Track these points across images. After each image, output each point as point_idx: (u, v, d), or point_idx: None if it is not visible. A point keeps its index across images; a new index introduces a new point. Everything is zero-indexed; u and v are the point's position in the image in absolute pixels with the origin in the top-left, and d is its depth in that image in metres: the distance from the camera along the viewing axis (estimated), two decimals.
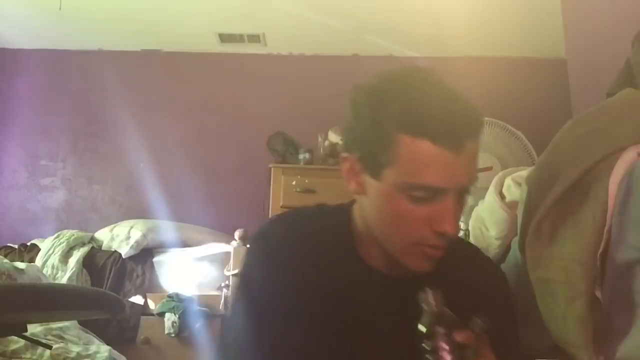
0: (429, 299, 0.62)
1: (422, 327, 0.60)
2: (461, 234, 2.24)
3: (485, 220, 1.33)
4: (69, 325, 1.99)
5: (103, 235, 2.86)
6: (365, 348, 0.75)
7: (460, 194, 0.70)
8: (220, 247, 2.70)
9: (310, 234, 0.82)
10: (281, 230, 0.84)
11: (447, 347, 0.57)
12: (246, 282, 0.83)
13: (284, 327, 0.75)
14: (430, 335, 0.59)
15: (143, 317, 2.47)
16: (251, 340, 0.78)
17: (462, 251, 0.85)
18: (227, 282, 2.48)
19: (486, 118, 2.54)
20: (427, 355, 0.58)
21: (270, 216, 2.79)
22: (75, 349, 1.84)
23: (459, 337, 0.59)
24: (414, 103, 0.67)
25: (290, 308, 0.76)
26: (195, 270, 2.63)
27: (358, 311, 0.75)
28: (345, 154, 0.76)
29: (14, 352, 1.73)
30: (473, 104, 0.70)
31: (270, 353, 0.75)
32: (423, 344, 0.59)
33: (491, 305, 0.75)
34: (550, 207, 0.77)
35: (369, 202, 0.74)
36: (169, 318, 2.36)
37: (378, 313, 0.75)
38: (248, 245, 0.87)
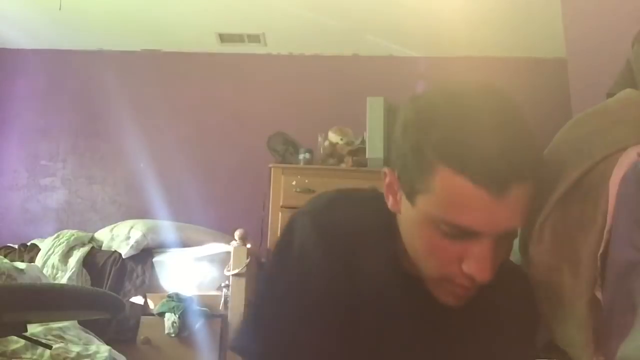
0: None
1: None
2: None
3: None
4: (69, 325, 1.99)
5: (103, 235, 2.86)
6: (397, 356, 0.73)
7: (501, 239, 0.64)
8: (220, 247, 2.69)
9: (364, 228, 0.74)
10: (335, 214, 0.74)
11: None
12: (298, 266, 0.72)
13: (321, 326, 0.69)
14: None
15: (143, 317, 2.46)
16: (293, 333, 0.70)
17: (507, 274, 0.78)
18: (227, 282, 2.48)
19: None
20: None
21: (269, 216, 2.79)
22: (75, 349, 1.84)
23: None
24: (460, 133, 0.61)
25: (333, 303, 0.69)
26: (195, 270, 2.62)
27: (393, 318, 0.72)
28: (387, 169, 0.72)
29: (14, 352, 1.73)
30: (532, 142, 0.63)
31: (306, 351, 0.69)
32: None
33: (516, 325, 0.76)
34: (551, 207, 0.77)
35: (403, 222, 0.71)
36: (169, 318, 2.36)
37: (413, 320, 0.72)
38: (292, 227, 0.74)
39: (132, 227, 2.79)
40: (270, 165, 2.94)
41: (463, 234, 0.62)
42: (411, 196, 0.66)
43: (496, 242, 0.62)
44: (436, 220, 0.63)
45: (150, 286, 2.60)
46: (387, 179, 0.72)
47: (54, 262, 2.60)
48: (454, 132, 0.61)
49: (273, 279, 0.74)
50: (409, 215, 0.68)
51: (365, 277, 0.71)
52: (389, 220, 0.74)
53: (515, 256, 1.05)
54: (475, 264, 0.62)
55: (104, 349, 1.95)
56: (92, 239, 2.84)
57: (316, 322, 0.69)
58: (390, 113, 2.83)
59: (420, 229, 0.66)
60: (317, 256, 0.70)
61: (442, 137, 0.61)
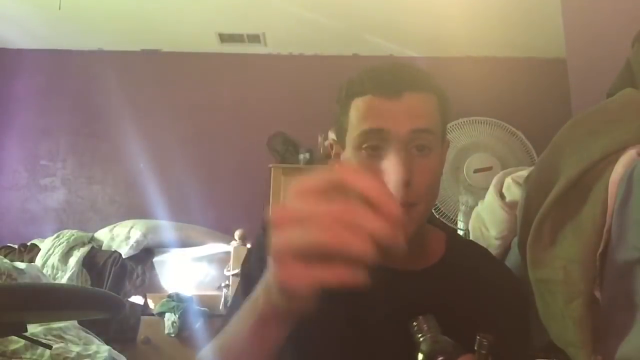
0: (423, 327, 0.57)
1: (421, 358, 0.55)
2: (461, 233, 2.24)
3: (485, 220, 1.34)
4: (69, 325, 1.99)
5: (103, 235, 2.86)
6: (370, 345, 0.73)
7: (417, 147, 0.70)
8: (220, 247, 2.70)
9: None
10: None
11: None
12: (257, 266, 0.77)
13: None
14: None
15: (143, 317, 2.47)
16: None
17: (470, 249, 0.84)
18: (227, 282, 2.48)
19: (486, 118, 2.55)
20: None
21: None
22: (75, 349, 1.84)
23: None
24: (361, 72, 0.75)
25: None
26: (195, 270, 2.63)
27: (362, 307, 0.73)
28: (331, 140, 0.83)
29: (14, 352, 1.73)
30: (422, 69, 0.76)
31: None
32: None
33: (503, 304, 0.75)
34: (550, 207, 0.77)
35: None
36: (169, 318, 2.36)
37: (383, 308, 0.73)
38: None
39: (132, 227, 2.80)
40: (270, 165, 2.94)
41: (378, 143, 0.70)
42: (343, 142, 0.76)
43: (407, 149, 0.69)
44: (357, 140, 0.72)
45: (150, 286, 2.61)
46: (333, 151, 0.81)
47: (54, 262, 2.60)
48: (357, 73, 0.76)
49: (249, 260, 0.83)
50: (347, 160, 0.76)
51: None
52: None
53: (514, 254, 1.05)
54: (390, 166, 0.68)
55: (104, 349, 1.95)
56: (92, 239, 2.85)
57: None
58: None
59: (352, 162, 0.73)
60: (259, 254, 0.79)
61: (349, 81, 0.76)
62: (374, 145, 0.70)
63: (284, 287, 0.43)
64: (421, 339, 0.56)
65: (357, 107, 0.73)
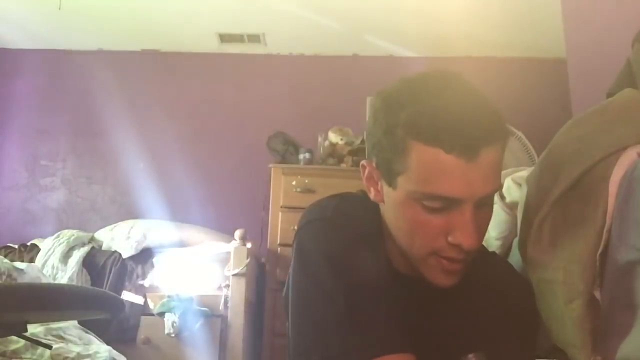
0: None
1: None
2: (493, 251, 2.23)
3: None
4: (69, 325, 1.99)
5: (103, 235, 2.86)
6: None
7: (480, 205, 0.66)
8: (220, 247, 2.69)
9: (360, 240, 0.75)
10: (341, 237, 0.75)
11: None
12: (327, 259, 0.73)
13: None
14: None
15: (143, 317, 2.47)
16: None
17: (492, 265, 0.83)
18: (227, 282, 2.48)
19: None
20: None
21: (270, 216, 2.78)
22: (75, 349, 1.84)
23: None
24: (428, 108, 0.64)
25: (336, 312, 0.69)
26: (195, 270, 2.62)
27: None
28: (364, 161, 0.75)
29: (14, 352, 1.73)
30: (494, 109, 0.68)
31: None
32: None
33: (513, 323, 0.76)
34: (550, 207, 0.77)
35: (387, 210, 0.73)
36: (169, 318, 2.36)
37: (408, 316, 0.72)
38: (304, 251, 0.76)
39: (132, 227, 2.80)
40: (270, 165, 2.94)
41: (444, 205, 0.64)
42: (391, 180, 0.69)
43: (476, 209, 0.65)
44: (417, 196, 0.66)
45: (150, 286, 2.61)
46: (367, 171, 0.75)
47: (54, 262, 2.60)
48: (420, 108, 0.65)
49: (293, 289, 0.75)
50: (391, 201, 0.71)
51: (361, 278, 0.71)
52: (379, 220, 0.76)
53: (514, 255, 1.05)
54: (460, 232, 0.64)
55: (104, 349, 1.95)
56: (92, 239, 2.85)
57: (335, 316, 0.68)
58: None
59: (404, 210, 0.68)
60: (324, 266, 0.71)
61: (410, 115, 0.65)
62: (438, 207, 0.65)
63: None
64: None
65: (422, 159, 0.64)
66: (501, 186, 1.32)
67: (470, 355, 0.58)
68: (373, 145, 0.71)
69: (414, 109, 0.65)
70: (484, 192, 0.65)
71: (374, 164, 0.73)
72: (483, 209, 0.68)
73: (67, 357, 1.78)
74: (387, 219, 0.74)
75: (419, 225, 0.67)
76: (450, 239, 0.65)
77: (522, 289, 0.81)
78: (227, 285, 2.47)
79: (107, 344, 2.06)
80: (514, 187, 1.24)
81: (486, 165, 0.64)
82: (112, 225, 2.93)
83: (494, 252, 0.94)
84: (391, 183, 0.69)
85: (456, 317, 0.74)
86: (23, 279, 2.08)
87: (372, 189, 0.75)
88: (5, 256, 2.59)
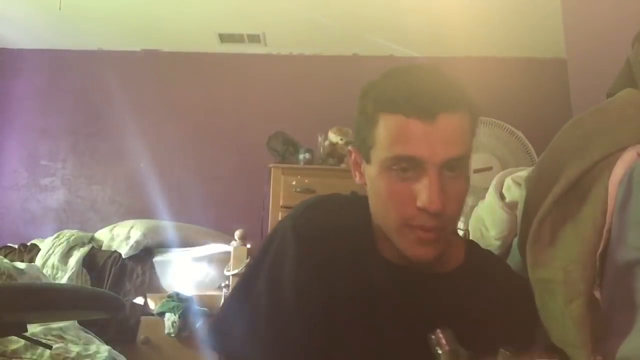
0: (441, 341, 0.59)
1: None
2: (461, 233, 2.24)
3: (485, 221, 1.34)
4: (69, 325, 1.99)
5: (103, 235, 2.86)
6: (383, 343, 0.74)
7: (447, 171, 0.69)
8: (220, 247, 2.69)
9: (339, 225, 0.80)
10: (313, 218, 0.82)
11: None
12: (272, 264, 0.80)
13: (300, 319, 0.74)
14: None
15: (143, 317, 2.47)
16: (261, 326, 0.76)
17: (488, 257, 0.85)
18: (227, 282, 2.48)
19: (486, 118, 2.54)
20: None
21: (269, 216, 2.79)
22: (75, 349, 1.84)
23: None
24: (392, 84, 0.72)
25: (310, 301, 0.74)
26: (195, 270, 2.62)
27: (376, 306, 0.75)
28: (350, 147, 0.81)
29: (14, 352, 1.73)
30: (458, 84, 0.72)
31: (279, 344, 0.74)
32: None
33: (515, 311, 0.76)
34: (550, 207, 0.77)
35: (368, 190, 0.76)
36: (169, 318, 2.36)
37: (396, 308, 0.75)
38: (276, 229, 0.84)
39: (132, 227, 2.79)
40: (270, 165, 2.94)
41: (410, 167, 0.68)
42: (367, 155, 0.74)
43: (441, 174, 0.68)
44: (387, 163, 0.70)
45: (150, 286, 2.61)
46: (352, 157, 0.80)
47: (54, 262, 2.60)
48: (386, 84, 0.72)
49: (250, 278, 0.82)
50: (369, 178, 0.75)
51: (347, 268, 0.76)
52: (365, 215, 0.80)
53: (514, 255, 1.05)
54: (425, 194, 0.67)
55: (104, 349, 1.95)
56: (92, 239, 2.85)
57: (287, 315, 0.74)
58: None
59: (378, 182, 0.72)
60: (291, 256, 0.77)
61: (378, 91, 0.72)
62: (403, 167, 0.69)
63: None
64: (440, 352, 0.58)
65: (387, 126, 0.70)
66: (501, 185, 1.32)
67: (438, 331, 0.58)
68: (355, 130, 0.77)
69: (381, 86, 0.72)
70: (445, 155, 0.68)
71: (356, 148, 0.78)
72: (454, 178, 0.70)
73: (67, 357, 1.78)
74: (370, 202, 0.77)
75: (391, 195, 0.70)
76: (418, 203, 0.68)
77: (518, 280, 0.82)
78: (227, 285, 2.47)
79: (107, 344, 2.06)
80: (514, 187, 1.24)
81: (446, 129, 0.68)
82: (112, 225, 2.93)
83: (490, 251, 0.95)
84: (368, 159, 0.74)
85: (449, 305, 0.74)
86: (23, 279, 2.08)
87: (356, 173, 0.79)
88: (5, 256, 2.59)
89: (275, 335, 0.74)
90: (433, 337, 0.59)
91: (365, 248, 0.78)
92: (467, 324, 0.65)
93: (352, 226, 0.80)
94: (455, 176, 0.70)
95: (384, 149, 0.70)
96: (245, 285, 0.83)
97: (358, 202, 0.83)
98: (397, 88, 0.70)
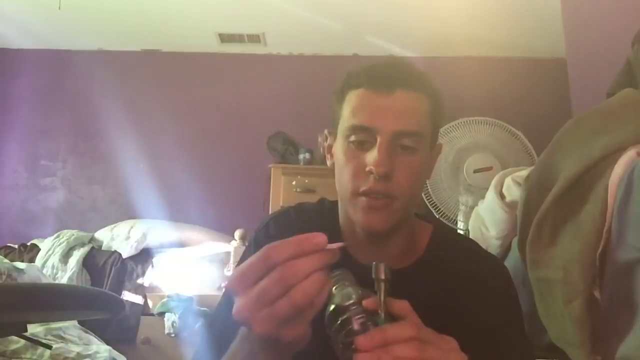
0: (336, 279, 0.58)
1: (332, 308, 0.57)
2: (460, 233, 2.24)
3: (485, 220, 1.34)
4: (69, 325, 1.99)
5: (103, 235, 2.86)
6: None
7: (399, 142, 0.71)
8: (220, 247, 2.70)
9: (303, 230, 0.81)
10: (275, 229, 0.85)
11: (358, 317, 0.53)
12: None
13: None
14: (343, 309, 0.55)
15: (143, 317, 2.47)
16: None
17: (459, 244, 0.83)
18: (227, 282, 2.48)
19: (486, 118, 2.55)
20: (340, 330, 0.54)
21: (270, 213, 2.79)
22: (75, 349, 1.84)
23: (367, 303, 0.55)
24: (362, 67, 0.77)
25: None
26: (195, 270, 2.63)
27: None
28: (325, 131, 0.85)
29: (14, 352, 1.73)
30: (419, 70, 0.77)
31: None
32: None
33: (490, 297, 0.74)
34: (550, 207, 0.77)
35: (335, 166, 0.79)
36: (169, 318, 2.36)
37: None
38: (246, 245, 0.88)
39: (132, 227, 2.80)
40: (270, 165, 2.94)
41: (366, 138, 0.72)
42: (335, 131, 0.78)
43: (391, 143, 0.71)
44: (346, 133, 0.74)
45: (150, 286, 2.61)
46: (327, 140, 0.83)
47: (54, 262, 2.60)
48: (358, 68, 0.77)
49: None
50: (335, 152, 0.78)
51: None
52: (333, 219, 0.82)
53: (514, 254, 1.05)
54: (372, 159, 0.70)
55: (104, 349, 1.95)
56: (92, 239, 2.85)
57: None
58: None
59: (339, 153, 0.75)
60: (263, 239, 0.83)
61: (349, 74, 0.78)
62: (360, 139, 0.72)
63: (268, 336, 0.52)
64: (334, 290, 0.57)
65: (349, 100, 0.75)
66: (501, 185, 1.32)
67: (381, 265, 0.56)
68: (331, 114, 0.82)
69: (353, 70, 0.78)
70: (397, 126, 0.70)
71: (329, 130, 0.82)
72: (407, 154, 0.72)
73: (67, 357, 1.78)
74: (335, 179, 0.79)
75: (346, 163, 0.74)
76: (366, 168, 0.71)
77: (494, 265, 0.80)
78: None
79: (107, 344, 2.06)
80: (514, 186, 1.24)
81: (402, 103, 0.72)
82: (112, 225, 2.93)
83: (461, 234, 0.94)
84: (335, 133, 0.78)
85: (424, 301, 0.73)
86: (23, 279, 2.08)
87: (329, 156, 0.82)
88: (5, 256, 2.59)
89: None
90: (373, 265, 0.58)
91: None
92: (436, 314, 0.63)
93: (319, 229, 0.81)
94: (409, 152, 0.72)
95: (345, 120, 0.75)
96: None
97: (325, 208, 0.86)
98: (362, 68, 0.77)
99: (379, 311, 0.53)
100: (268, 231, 0.86)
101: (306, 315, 0.52)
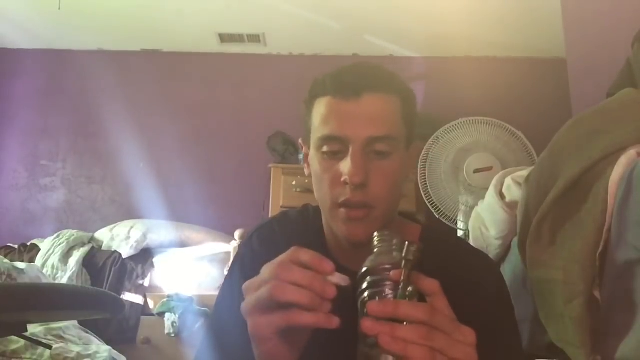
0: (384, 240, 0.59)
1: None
2: (461, 233, 2.24)
3: (485, 220, 1.34)
4: (69, 325, 1.99)
5: (103, 235, 2.86)
6: (342, 351, 0.72)
7: (373, 149, 0.70)
8: (220, 247, 2.70)
9: (288, 239, 0.80)
10: (259, 244, 0.84)
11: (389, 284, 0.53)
12: (224, 292, 0.85)
13: None
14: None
15: (143, 317, 2.47)
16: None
17: (444, 241, 0.81)
18: None
19: (486, 118, 2.55)
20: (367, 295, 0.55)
21: (270, 216, 2.79)
22: (75, 349, 1.84)
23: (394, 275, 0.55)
24: (327, 73, 0.75)
25: None
26: (195, 270, 2.62)
27: (335, 313, 0.73)
28: (300, 140, 0.82)
29: (14, 352, 1.73)
30: (385, 69, 0.74)
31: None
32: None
33: (484, 294, 0.72)
34: (550, 207, 0.77)
35: (312, 176, 0.77)
36: (169, 318, 2.36)
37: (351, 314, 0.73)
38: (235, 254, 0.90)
39: (132, 227, 2.80)
40: (270, 165, 2.94)
41: (338, 148, 0.70)
42: (308, 141, 0.77)
43: (364, 150, 0.69)
44: (318, 143, 0.72)
45: (150, 286, 2.61)
46: (303, 150, 0.82)
47: (54, 262, 2.60)
48: (324, 75, 0.75)
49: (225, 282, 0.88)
50: (311, 162, 0.77)
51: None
52: (317, 224, 0.82)
53: (514, 255, 1.05)
54: (347, 169, 0.68)
55: (104, 349, 1.95)
56: (92, 239, 2.85)
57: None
58: None
59: (315, 164, 0.74)
60: (238, 289, 0.79)
61: (315, 81, 0.76)
62: (333, 150, 0.71)
63: (253, 334, 0.54)
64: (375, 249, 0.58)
65: (318, 109, 0.73)
66: (501, 185, 1.32)
67: (410, 246, 0.55)
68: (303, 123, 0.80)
69: (318, 79, 0.76)
70: (368, 132, 0.69)
71: (303, 139, 0.80)
72: (381, 158, 0.70)
73: (67, 357, 1.78)
74: (314, 191, 0.78)
75: (323, 175, 0.72)
76: (342, 178, 0.69)
77: (485, 261, 0.79)
78: None
79: (107, 344, 2.06)
80: (514, 186, 1.24)
81: (370, 108, 0.70)
82: (112, 225, 2.93)
83: (450, 233, 0.93)
84: (309, 145, 0.77)
85: None
86: (23, 279, 2.08)
87: (306, 165, 0.80)
88: (5, 256, 2.59)
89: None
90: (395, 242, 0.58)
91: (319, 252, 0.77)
92: None
93: (303, 238, 0.80)
94: (383, 157, 0.70)
95: (316, 130, 0.73)
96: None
97: (310, 214, 0.85)
98: (328, 74, 0.75)
99: (400, 285, 0.52)
100: (252, 247, 0.85)
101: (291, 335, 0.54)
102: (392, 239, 0.58)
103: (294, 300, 0.51)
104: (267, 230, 0.86)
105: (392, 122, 0.71)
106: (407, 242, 0.54)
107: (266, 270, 0.55)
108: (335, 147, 0.70)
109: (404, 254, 0.53)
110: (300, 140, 0.83)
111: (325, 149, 0.71)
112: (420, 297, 0.54)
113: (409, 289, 0.52)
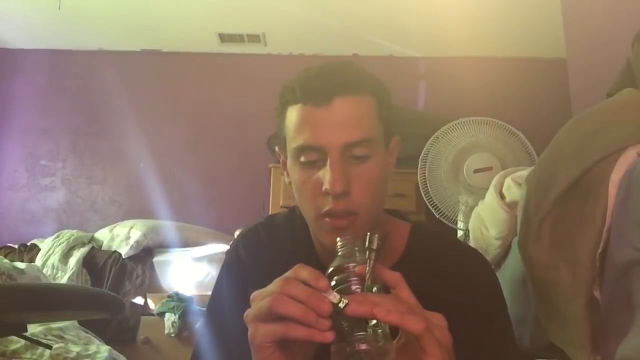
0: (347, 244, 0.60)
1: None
2: (461, 234, 2.24)
3: (485, 220, 1.34)
4: (69, 325, 1.99)
5: (103, 235, 2.86)
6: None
7: (351, 155, 0.68)
8: (220, 247, 2.69)
9: (275, 245, 0.82)
10: (245, 252, 0.84)
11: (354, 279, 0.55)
12: (213, 298, 0.85)
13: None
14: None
15: (143, 317, 2.47)
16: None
17: (435, 239, 0.81)
18: None
19: (486, 118, 2.55)
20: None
21: (270, 213, 2.79)
22: (75, 349, 1.84)
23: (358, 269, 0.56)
24: (295, 78, 0.73)
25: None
26: (195, 270, 2.62)
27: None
28: (277, 148, 0.81)
29: (14, 352, 1.73)
30: (354, 67, 0.72)
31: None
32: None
33: (476, 287, 0.73)
34: (550, 207, 0.77)
35: (292, 185, 0.76)
36: (169, 318, 2.36)
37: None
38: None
39: (132, 227, 2.79)
40: (270, 165, 2.94)
41: (316, 157, 0.69)
42: (284, 150, 0.75)
43: (342, 157, 0.68)
44: (294, 154, 0.71)
45: (150, 286, 2.61)
46: (281, 158, 0.79)
47: (54, 262, 2.60)
48: (292, 80, 0.74)
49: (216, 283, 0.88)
50: (290, 171, 0.75)
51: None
52: (304, 227, 0.80)
53: (514, 255, 1.05)
54: (327, 177, 0.67)
55: (104, 349, 1.94)
56: (92, 239, 2.84)
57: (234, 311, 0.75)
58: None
59: (293, 172, 0.73)
60: (227, 294, 0.82)
61: (285, 87, 0.74)
62: (311, 160, 0.69)
63: (251, 341, 0.55)
64: (339, 252, 0.59)
65: (290, 117, 0.72)
66: (501, 185, 1.32)
67: (372, 236, 0.57)
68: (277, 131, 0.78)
69: (287, 84, 0.74)
70: (344, 139, 0.67)
71: (279, 146, 0.79)
72: (360, 163, 0.69)
73: (67, 357, 1.78)
74: (296, 201, 0.77)
75: (303, 185, 0.71)
76: (323, 188, 0.68)
77: (475, 255, 0.79)
78: None
79: (107, 344, 2.06)
80: (514, 186, 1.24)
81: (343, 112, 0.68)
82: (112, 225, 2.92)
83: (440, 230, 0.93)
84: (285, 154, 0.75)
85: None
86: (23, 279, 2.08)
87: (285, 173, 0.78)
88: (5, 256, 2.59)
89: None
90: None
91: (306, 259, 0.73)
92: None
93: (290, 242, 0.81)
94: (362, 161, 0.69)
95: (291, 140, 0.71)
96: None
97: (297, 217, 0.83)
98: (296, 79, 0.73)
99: (366, 278, 0.55)
100: (238, 255, 0.84)
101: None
102: (355, 241, 0.59)
103: (289, 313, 0.52)
104: (252, 236, 0.86)
105: (368, 124, 0.69)
106: (368, 233, 0.56)
107: (274, 283, 0.56)
108: (313, 156, 0.69)
109: (366, 244, 0.56)
110: (277, 149, 0.80)
111: (302, 159, 0.70)
112: (386, 290, 0.56)
113: (375, 287, 0.55)
